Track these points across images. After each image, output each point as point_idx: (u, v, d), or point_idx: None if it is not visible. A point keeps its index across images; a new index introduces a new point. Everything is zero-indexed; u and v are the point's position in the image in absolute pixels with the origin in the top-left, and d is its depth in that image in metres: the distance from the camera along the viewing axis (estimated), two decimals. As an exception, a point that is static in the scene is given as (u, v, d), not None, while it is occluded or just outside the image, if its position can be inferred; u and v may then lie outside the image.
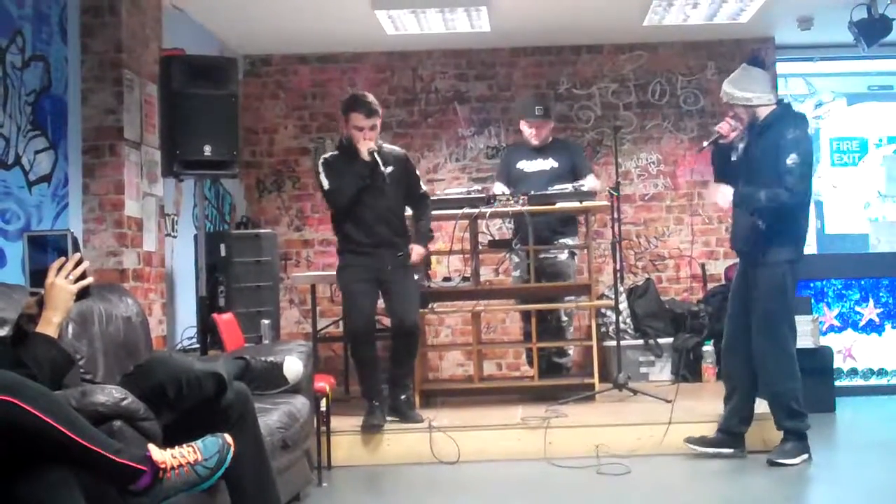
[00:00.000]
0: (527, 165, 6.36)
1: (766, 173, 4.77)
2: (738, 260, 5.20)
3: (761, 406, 5.12)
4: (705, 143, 5.03)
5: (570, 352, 6.58)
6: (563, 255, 6.35)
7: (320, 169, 5.23)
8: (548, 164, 6.32)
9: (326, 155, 5.31)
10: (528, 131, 6.38)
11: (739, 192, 4.82)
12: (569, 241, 6.40)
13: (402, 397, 5.31)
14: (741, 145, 4.93)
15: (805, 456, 4.82)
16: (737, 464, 4.93)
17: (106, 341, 3.79)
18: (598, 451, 5.00)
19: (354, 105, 5.16)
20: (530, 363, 6.62)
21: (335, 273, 5.44)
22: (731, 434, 4.99)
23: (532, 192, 5.78)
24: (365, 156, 5.08)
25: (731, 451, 4.98)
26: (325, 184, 5.18)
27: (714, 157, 5.05)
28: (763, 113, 4.90)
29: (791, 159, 4.73)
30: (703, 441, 5.02)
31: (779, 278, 4.85)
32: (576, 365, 6.85)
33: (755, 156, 4.87)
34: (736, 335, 4.99)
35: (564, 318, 6.44)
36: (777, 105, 4.95)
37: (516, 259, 6.55)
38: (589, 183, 6.07)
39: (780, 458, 4.79)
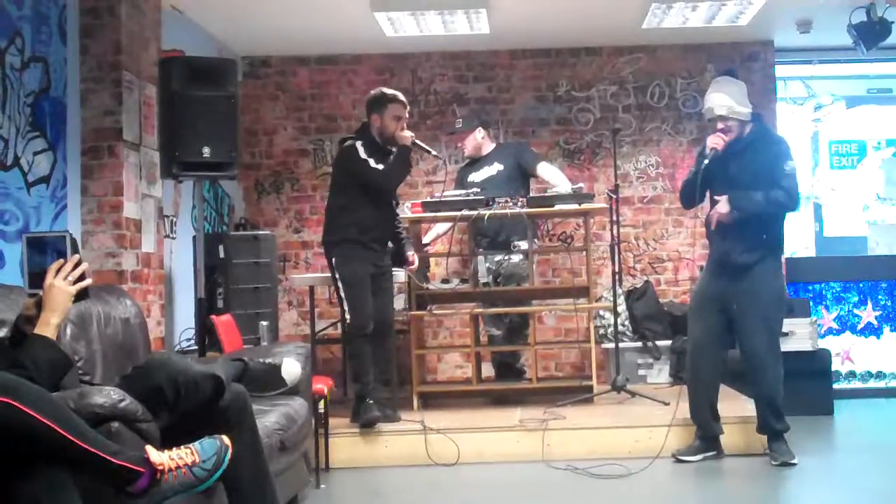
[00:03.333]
0: (476, 176, 6.45)
1: (759, 187, 4.80)
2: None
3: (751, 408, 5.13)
4: (706, 161, 4.88)
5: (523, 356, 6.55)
6: (517, 258, 6.36)
7: (361, 149, 5.24)
8: (494, 169, 6.43)
9: (357, 141, 5.32)
10: (462, 146, 6.67)
11: (735, 196, 4.79)
12: (522, 244, 6.35)
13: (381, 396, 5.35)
14: (707, 160, 4.88)
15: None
16: (735, 466, 4.94)
17: (104, 343, 3.78)
18: (596, 453, 5.00)
19: (394, 97, 5.37)
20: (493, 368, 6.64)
21: (336, 265, 5.32)
22: (714, 438, 5.01)
23: (532, 195, 5.78)
24: (408, 142, 5.25)
25: (714, 453, 5.01)
26: (374, 164, 5.21)
27: (698, 175, 4.95)
28: (748, 129, 4.90)
29: (789, 165, 4.82)
30: (690, 450, 5.02)
31: (780, 287, 4.97)
32: (574, 367, 6.83)
33: (741, 173, 4.84)
34: (706, 343, 4.99)
35: (518, 319, 6.44)
36: (754, 122, 4.94)
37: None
38: (553, 178, 6.26)
39: (789, 458, 4.81)
